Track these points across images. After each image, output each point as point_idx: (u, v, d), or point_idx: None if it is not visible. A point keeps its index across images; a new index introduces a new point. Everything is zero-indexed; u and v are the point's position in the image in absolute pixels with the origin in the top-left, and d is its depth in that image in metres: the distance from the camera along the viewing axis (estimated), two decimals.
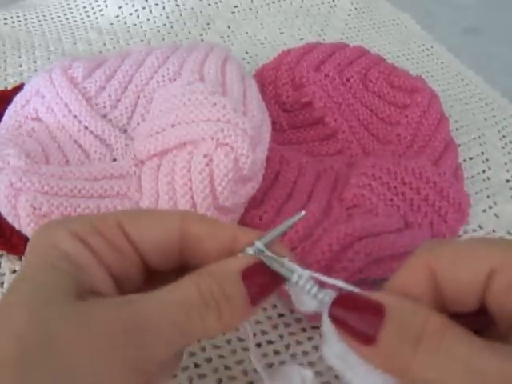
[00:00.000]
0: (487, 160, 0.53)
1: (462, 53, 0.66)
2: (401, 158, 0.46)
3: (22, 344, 0.22)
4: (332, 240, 0.38)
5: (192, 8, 0.69)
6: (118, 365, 0.24)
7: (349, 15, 0.71)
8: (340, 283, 0.27)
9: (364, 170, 0.44)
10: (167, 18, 0.67)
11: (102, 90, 0.45)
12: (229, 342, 0.37)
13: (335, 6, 0.72)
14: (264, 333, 0.38)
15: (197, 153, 0.39)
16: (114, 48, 0.63)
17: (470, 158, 0.53)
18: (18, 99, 0.46)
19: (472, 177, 0.51)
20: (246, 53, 0.63)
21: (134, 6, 0.68)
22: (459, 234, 0.45)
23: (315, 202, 0.43)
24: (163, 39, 0.65)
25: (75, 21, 0.67)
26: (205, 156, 0.39)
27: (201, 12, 0.69)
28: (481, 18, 0.77)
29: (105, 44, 0.63)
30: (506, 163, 0.52)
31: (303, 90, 0.51)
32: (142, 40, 0.64)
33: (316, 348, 0.37)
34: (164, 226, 0.28)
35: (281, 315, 0.39)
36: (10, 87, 0.55)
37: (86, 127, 0.44)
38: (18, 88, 0.49)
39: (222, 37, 0.66)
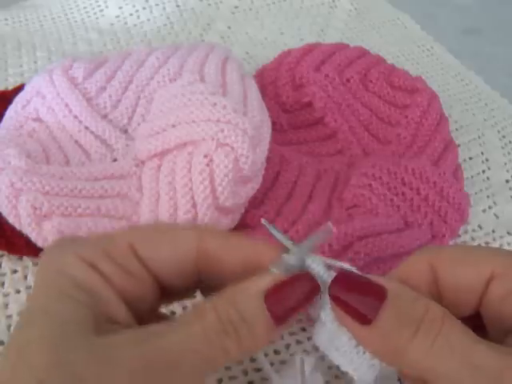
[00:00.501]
0: (487, 160, 0.53)
1: (461, 53, 0.66)
2: (401, 158, 0.46)
3: None
4: (332, 240, 0.38)
5: (192, 8, 0.69)
6: None
7: (349, 16, 0.71)
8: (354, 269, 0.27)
9: (364, 170, 0.44)
10: (168, 18, 0.67)
11: (102, 90, 0.46)
12: None
13: (335, 6, 0.72)
14: None
15: (197, 153, 0.39)
16: (115, 48, 0.63)
17: (470, 158, 0.53)
18: (19, 99, 0.46)
19: (472, 177, 0.51)
20: (247, 53, 0.63)
21: (134, 6, 0.68)
22: (459, 233, 0.45)
23: (315, 202, 0.43)
24: (163, 39, 0.65)
25: (76, 21, 0.67)
26: (205, 156, 0.39)
27: (201, 12, 0.69)
28: (481, 18, 0.77)
29: (105, 44, 0.63)
30: (505, 163, 0.52)
31: (303, 90, 0.51)
32: (142, 40, 0.64)
33: (316, 348, 0.37)
34: (179, 246, 0.27)
35: None
36: (10, 87, 0.55)
37: (87, 127, 0.44)
38: (19, 88, 0.49)
39: (222, 37, 0.66)
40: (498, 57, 0.69)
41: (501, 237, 0.46)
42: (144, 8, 0.68)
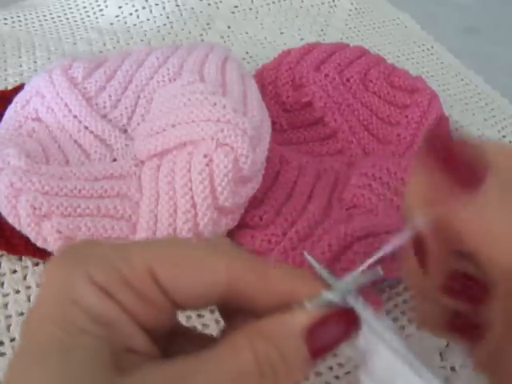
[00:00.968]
0: None
1: (462, 53, 0.66)
2: (401, 158, 0.46)
3: None
4: (332, 240, 0.38)
5: (192, 8, 0.69)
6: None
7: (349, 15, 0.71)
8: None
9: (364, 170, 0.44)
10: (167, 18, 0.67)
11: (102, 90, 0.45)
12: None
13: (335, 6, 0.72)
14: None
15: (197, 153, 0.39)
16: (114, 48, 0.63)
17: None
18: (18, 99, 0.46)
19: None
20: (246, 53, 0.63)
21: (134, 6, 0.68)
22: None
23: (315, 202, 0.43)
24: (163, 39, 0.65)
25: (75, 21, 0.67)
26: (205, 156, 0.39)
27: (201, 12, 0.69)
28: (481, 18, 0.77)
29: (105, 44, 0.63)
30: None
31: (303, 90, 0.51)
32: (142, 40, 0.64)
33: None
34: (206, 277, 0.24)
35: None
36: (10, 87, 0.55)
37: (86, 127, 0.44)
38: (18, 88, 0.49)
39: (222, 37, 0.66)
40: (498, 56, 0.69)
41: None
42: (144, 8, 0.68)
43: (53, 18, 0.67)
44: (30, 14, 0.67)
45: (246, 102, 0.43)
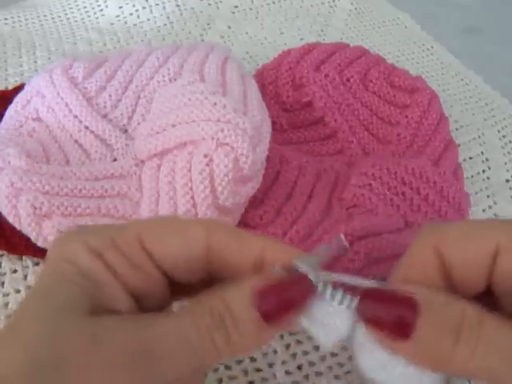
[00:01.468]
0: (487, 160, 0.53)
1: (462, 53, 0.66)
2: (401, 158, 0.46)
3: (32, 360, 0.22)
4: (332, 240, 0.38)
5: (192, 8, 0.69)
6: None
7: (349, 15, 0.71)
8: (371, 283, 0.26)
9: (364, 169, 0.44)
10: (168, 18, 0.67)
11: (102, 90, 0.45)
12: None
13: (335, 6, 0.72)
14: None
15: (197, 153, 0.39)
16: (115, 48, 0.63)
17: (470, 158, 0.53)
18: (19, 99, 0.46)
19: (472, 176, 0.51)
20: (247, 53, 0.63)
21: (134, 6, 0.68)
22: None
23: (315, 202, 0.43)
24: (163, 39, 0.65)
25: (76, 21, 0.67)
26: (205, 156, 0.39)
27: (201, 12, 0.69)
28: (481, 18, 0.77)
29: (105, 44, 0.63)
30: (505, 163, 0.52)
31: (303, 89, 0.51)
32: (142, 40, 0.64)
33: (316, 348, 0.37)
34: (188, 240, 0.26)
35: None
36: (10, 87, 0.55)
37: (87, 127, 0.44)
38: (19, 88, 0.49)
39: (222, 37, 0.66)
40: (498, 56, 0.69)
41: None
42: (144, 8, 0.68)
43: (53, 18, 0.67)
44: (31, 14, 0.67)
45: (246, 101, 0.43)
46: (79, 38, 0.64)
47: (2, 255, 0.42)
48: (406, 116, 0.48)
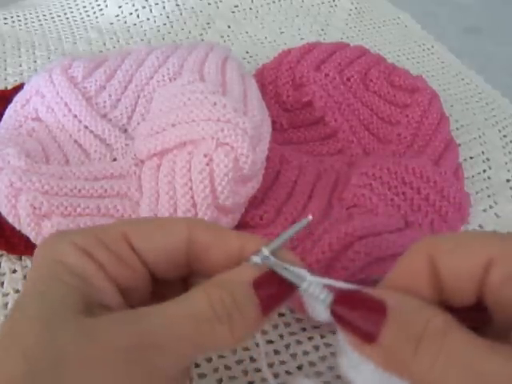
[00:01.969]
0: (488, 160, 0.52)
1: (462, 52, 0.66)
2: (401, 158, 0.46)
3: (31, 363, 0.22)
4: (332, 239, 0.38)
5: (192, 7, 0.69)
6: (128, 381, 0.23)
7: (349, 15, 0.71)
8: (349, 285, 0.26)
9: (364, 169, 0.44)
10: (167, 17, 0.67)
11: (102, 89, 0.45)
12: None
13: (335, 5, 0.72)
14: (264, 332, 0.38)
15: (197, 152, 0.39)
16: (114, 47, 0.63)
17: (471, 158, 0.52)
18: (18, 99, 0.46)
19: (472, 176, 0.51)
20: (247, 52, 0.63)
21: (134, 5, 0.68)
22: None
23: (315, 202, 0.43)
24: (163, 39, 0.65)
25: (75, 20, 0.67)
26: (205, 156, 0.39)
27: (201, 11, 0.69)
28: (481, 17, 0.77)
29: (105, 43, 0.63)
30: (506, 163, 0.52)
31: (303, 89, 0.51)
32: (142, 39, 0.64)
33: (316, 348, 0.37)
34: (170, 235, 0.28)
35: (281, 315, 0.39)
36: (10, 87, 0.55)
37: (86, 127, 0.44)
38: (18, 88, 0.49)
39: (222, 36, 0.66)
40: (498, 56, 0.69)
41: None
42: (144, 7, 0.68)
43: (53, 18, 0.67)
44: (30, 13, 0.67)
45: (246, 101, 0.43)
46: (79, 38, 0.64)
47: (1, 255, 0.42)
48: (407, 116, 0.48)
